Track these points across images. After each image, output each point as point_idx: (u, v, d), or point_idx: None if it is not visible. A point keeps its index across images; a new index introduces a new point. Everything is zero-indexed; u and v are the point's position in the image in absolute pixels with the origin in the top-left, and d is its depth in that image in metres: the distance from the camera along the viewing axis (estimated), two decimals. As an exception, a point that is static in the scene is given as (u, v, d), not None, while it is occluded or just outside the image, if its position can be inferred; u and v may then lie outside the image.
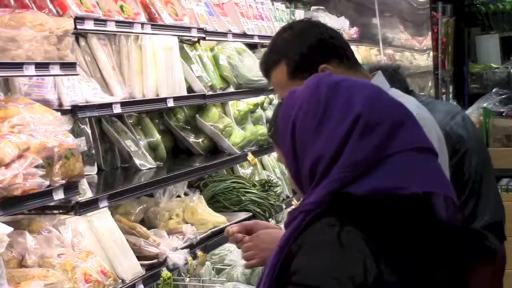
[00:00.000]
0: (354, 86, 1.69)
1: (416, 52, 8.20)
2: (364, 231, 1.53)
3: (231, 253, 4.24)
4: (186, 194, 3.94)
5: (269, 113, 4.84)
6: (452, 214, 1.62)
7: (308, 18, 4.04)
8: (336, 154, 1.56)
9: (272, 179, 4.79)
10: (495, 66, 9.08)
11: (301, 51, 2.40)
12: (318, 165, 1.60)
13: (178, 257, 3.27)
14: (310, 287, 1.50)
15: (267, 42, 3.54)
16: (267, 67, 2.52)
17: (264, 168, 5.01)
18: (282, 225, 2.30)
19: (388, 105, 1.66)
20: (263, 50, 3.59)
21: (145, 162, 3.63)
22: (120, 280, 2.92)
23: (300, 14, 5.68)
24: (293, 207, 2.86)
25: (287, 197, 4.88)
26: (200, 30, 3.88)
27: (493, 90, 8.30)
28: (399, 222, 1.59)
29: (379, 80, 2.49)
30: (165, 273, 3.19)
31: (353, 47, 3.13)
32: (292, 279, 1.55)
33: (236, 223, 3.07)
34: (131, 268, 3.04)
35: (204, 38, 4.04)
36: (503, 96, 7.95)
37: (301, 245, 1.56)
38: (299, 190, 1.75)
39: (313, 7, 6.39)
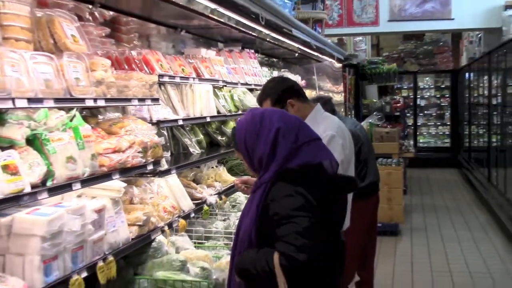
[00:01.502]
0: (271, 112, 2.99)
1: (336, 93, 13.02)
2: (302, 185, 2.74)
3: (239, 197, 6.03)
4: (216, 166, 5.90)
5: None
6: (335, 170, 2.93)
7: (281, 75, 6.79)
8: (271, 150, 2.81)
9: None
10: (375, 100, 14.75)
11: (278, 93, 4.08)
12: (263, 158, 2.85)
13: (212, 199, 4.98)
14: (286, 216, 2.66)
15: (258, 88, 6.11)
16: (260, 100, 4.19)
17: None
18: None
19: (291, 119, 2.96)
20: (257, 92, 6.23)
21: (194, 150, 5.33)
22: (182, 211, 4.43)
23: (275, 73, 8.33)
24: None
25: None
26: (223, 81, 5.80)
27: (374, 113, 13.24)
28: (315, 178, 2.82)
29: (318, 106, 4.26)
30: (205, 207, 4.82)
31: None
32: (274, 218, 2.72)
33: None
34: (187, 205, 4.57)
35: (225, 85, 6.02)
36: (378, 116, 12.97)
37: (273, 199, 2.76)
38: (253, 172, 3.04)
39: (282, 70, 9.47)
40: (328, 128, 4.06)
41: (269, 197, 2.77)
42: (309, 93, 9.96)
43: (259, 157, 2.85)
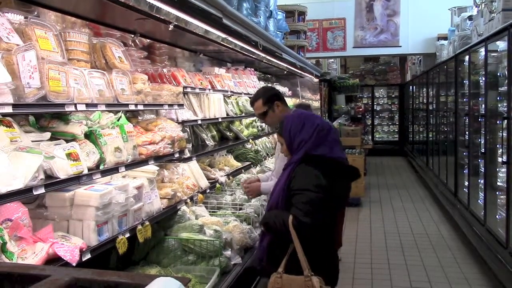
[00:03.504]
0: (312, 114, 3.11)
1: (314, 100, 12.88)
2: (318, 169, 2.82)
3: (242, 178, 5.91)
4: (225, 155, 5.96)
5: (259, 124, 7.03)
6: (346, 164, 3.02)
7: (271, 85, 6.94)
8: (308, 139, 2.90)
9: (259, 150, 6.81)
10: (343, 106, 14.67)
11: (268, 95, 4.04)
12: (301, 143, 2.93)
13: (223, 179, 4.93)
14: (300, 189, 2.80)
15: None
16: (253, 100, 4.10)
17: (256, 145, 6.92)
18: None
19: (325, 123, 3.04)
20: None
21: (209, 142, 5.29)
22: (200, 188, 4.41)
23: (268, 85, 7.93)
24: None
25: (266, 156, 6.95)
26: (231, 91, 5.78)
27: (342, 116, 13.75)
28: (330, 166, 2.87)
29: (294, 110, 3.88)
30: (218, 185, 4.80)
31: (288, 99, 7.30)
32: (292, 189, 2.84)
33: (243, 169, 5.72)
34: (204, 183, 4.55)
35: (232, 95, 5.95)
36: (345, 118, 13.45)
37: (295, 175, 2.86)
38: (289, 154, 3.04)
39: (274, 83, 9.55)
40: None
41: (293, 173, 2.88)
42: (294, 101, 9.96)
43: (300, 141, 2.93)
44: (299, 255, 2.78)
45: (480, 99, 6.93)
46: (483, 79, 6.51)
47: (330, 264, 3.01)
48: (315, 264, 2.85)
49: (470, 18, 9.17)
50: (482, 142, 6.56)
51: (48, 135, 2.71)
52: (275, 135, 8.05)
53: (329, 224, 2.96)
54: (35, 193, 2.29)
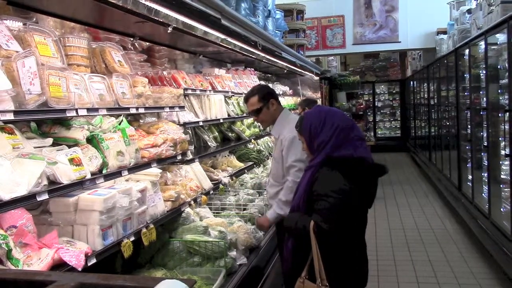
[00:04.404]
0: (333, 111, 2.96)
1: (315, 98, 11.53)
2: (341, 172, 2.72)
3: (245, 178, 6.15)
4: (228, 155, 5.95)
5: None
6: (371, 162, 2.86)
7: (267, 84, 6.38)
8: (328, 141, 2.79)
9: (261, 149, 6.85)
10: (344, 103, 14.38)
11: (264, 92, 4.02)
12: (321, 145, 2.82)
13: (226, 180, 4.98)
14: (322, 195, 2.71)
15: None
16: (248, 96, 4.07)
17: (258, 144, 7.11)
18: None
19: (347, 120, 2.90)
20: None
21: (211, 143, 5.34)
22: (203, 189, 4.41)
23: (269, 85, 7.51)
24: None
25: (268, 156, 6.89)
26: (232, 92, 5.81)
27: (344, 113, 11.83)
28: (353, 167, 2.76)
29: (286, 110, 4.13)
30: (221, 186, 4.83)
31: (289, 97, 8.65)
32: (314, 193, 2.76)
33: (245, 169, 5.82)
34: (208, 184, 4.55)
35: (233, 95, 5.97)
36: (347, 115, 11.77)
37: (317, 178, 2.77)
38: (310, 154, 2.95)
39: (275, 82, 9.65)
40: (291, 130, 3.52)
41: (315, 176, 2.80)
42: (296, 99, 9.98)
43: (319, 143, 2.83)
44: (315, 262, 2.73)
45: (481, 92, 6.91)
46: (484, 72, 6.50)
47: (356, 270, 2.90)
48: (338, 271, 2.79)
49: (469, 11, 9.15)
50: (485, 135, 6.55)
51: (50, 141, 2.71)
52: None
53: (357, 227, 2.88)
54: (38, 199, 2.29)
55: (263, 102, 3.98)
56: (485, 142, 6.50)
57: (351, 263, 2.86)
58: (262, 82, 7.91)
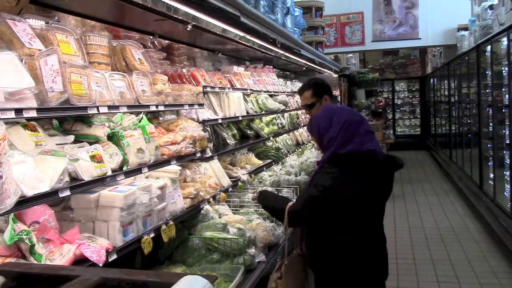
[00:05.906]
0: (341, 109, 2.95)
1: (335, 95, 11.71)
2: (343, 168, 2.76)
3: (264, 175, 6.19)
4: (246, 153, 5.88)
5: (279, 121, 7.05)
6: (382, 155, 2.86)
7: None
8: (336, 137, 2.81)
9: (280, 147, 6.89)
10: (363, 101, 14.62)
11: (319, 87, 3.95)
12: (330, 141, 2.86)
13: (244, 177, 4.94)
14: (314, 184, 2.85)
15: (277, 93, 7.02)
16: (302, 90, 4.05)
17: (276, 142, 7.03)
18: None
19: (355, 115, 2.90)
20: (276, 97, 6.94)
21: (230, 141, 5.32)
22: (222, 186, 4.39)
23: (288, 83, 8.39)
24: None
25: (287, 153, 7.01)
26: (250, 90, 5.81)
27: (363, 110, 13.38)
28: (362, 162, 2.77)
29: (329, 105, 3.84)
30: (239, 183, 4.80)
31: None
32: (314, 185, 2.85)
33: (264, 166, 5.73)
34: (226, 182, 4.55)
35: (252, 93, 5.95)
36: (366, 113, 13.26)
37: (319, 172, 2.88)
38: (321, 151, 3.01)
39: (293, 80, 9.33)
40: None
41: (319, 171, 2.94)
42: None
43: (328, 140, 2.87)
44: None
45: (503, 89, 6.82)
46: (506, 69, 6.41)
47: (364, 262, 2.96)
48: (341, 261, 2.92)
49: (491, 7, 9.03)
50: (507, 133, 6.46)
51: (71, 138, 2.74)
52: (295, 132, 8.05)
53: (358, 223, 2.88)
54: (60, 195, 2.33)
55: (316, 98, 3.89)
56: (508, 140, 6.42)
57: (354, 254, 2.92)
58: (281, 80, 7.91)
